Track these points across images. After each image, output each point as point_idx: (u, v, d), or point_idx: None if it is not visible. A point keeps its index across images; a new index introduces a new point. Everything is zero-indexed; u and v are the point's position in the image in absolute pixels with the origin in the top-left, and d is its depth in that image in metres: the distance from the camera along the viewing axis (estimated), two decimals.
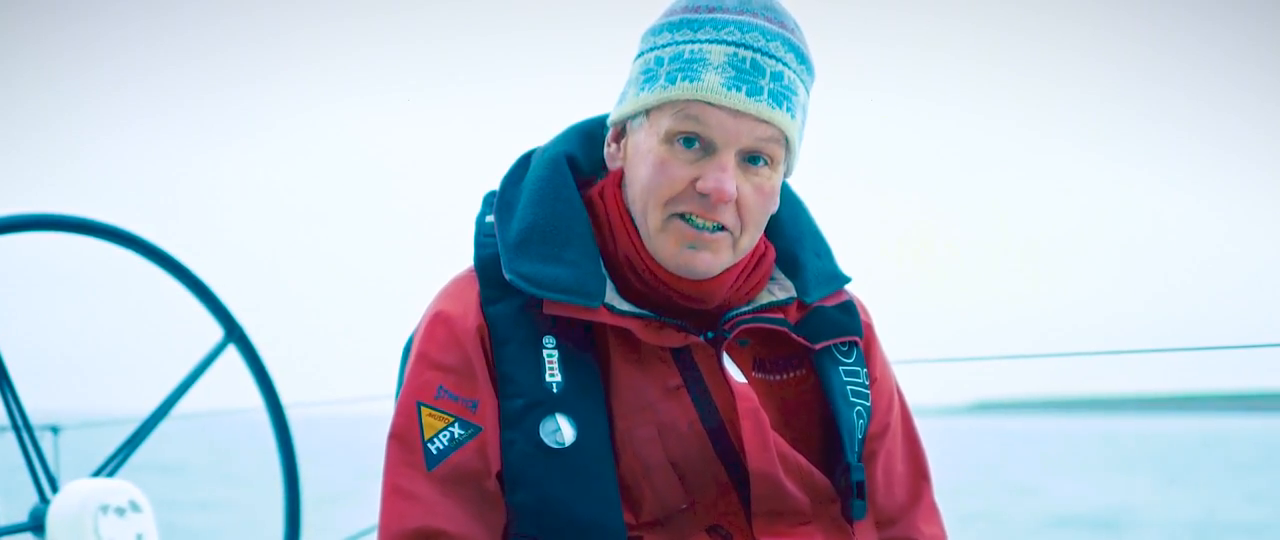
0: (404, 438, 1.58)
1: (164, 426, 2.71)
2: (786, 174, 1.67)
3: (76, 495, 2.35)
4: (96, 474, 2.50)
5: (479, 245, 1.68)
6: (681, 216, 1.58)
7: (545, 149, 1.72)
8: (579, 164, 1.71)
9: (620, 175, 1.66)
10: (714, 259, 1.60)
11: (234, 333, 2.74)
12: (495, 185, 1.73)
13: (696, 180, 1.57)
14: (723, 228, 1.59)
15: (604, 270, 1.63)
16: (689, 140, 1.58)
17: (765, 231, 1.70)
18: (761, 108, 1.57)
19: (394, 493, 1.57)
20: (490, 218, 1.69)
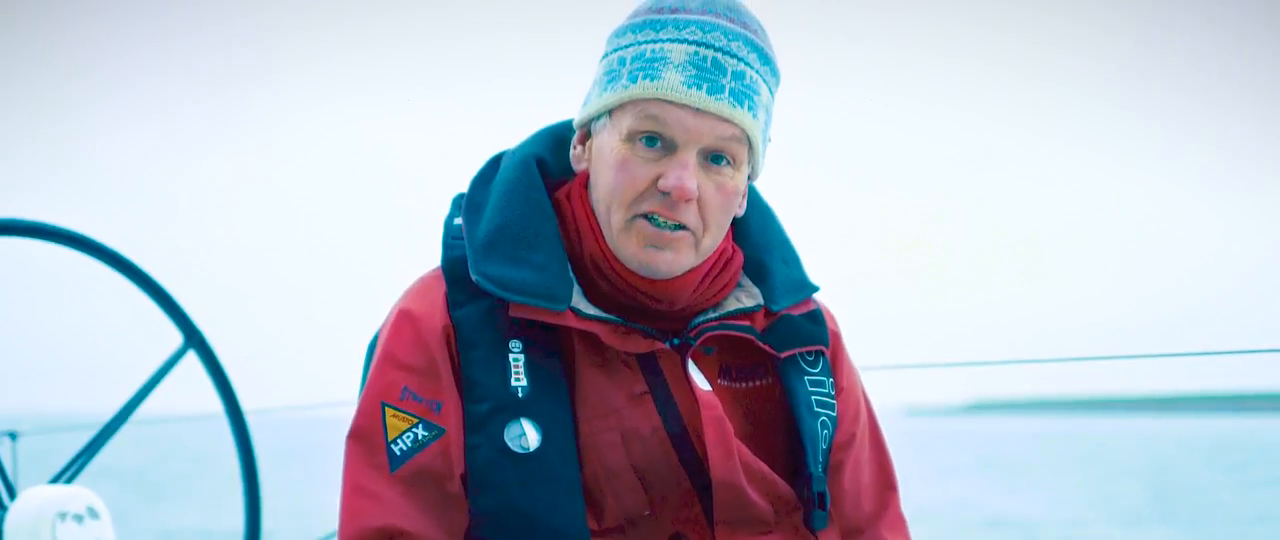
0: (366, 438, 1.58)
1: (125, 431, 2.69)
2: (752, 176, 1.67)
3: (34, 502, 2.33)
4: (55, 480, 2.48)
5: (447, 247, 1.67)
6: (645, 216, 1.58)
7: (515, 151, 1.72)
8: (548, 167, 1.71)
9: (586, 177, 1.66)
10: (676, 258, 1.59)
11: (194, 338, 2.73)
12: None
13: (658, 179, 1.57)
14: (684, 227, 1.59)
15: (571, 274, 1.63)
16: (650, 139, 1.58)
17: (733, 237, 1.71)
18: (722, 106, 1.57)
19: (355, 492, 1.56)
20: (458, 220, 1.69)
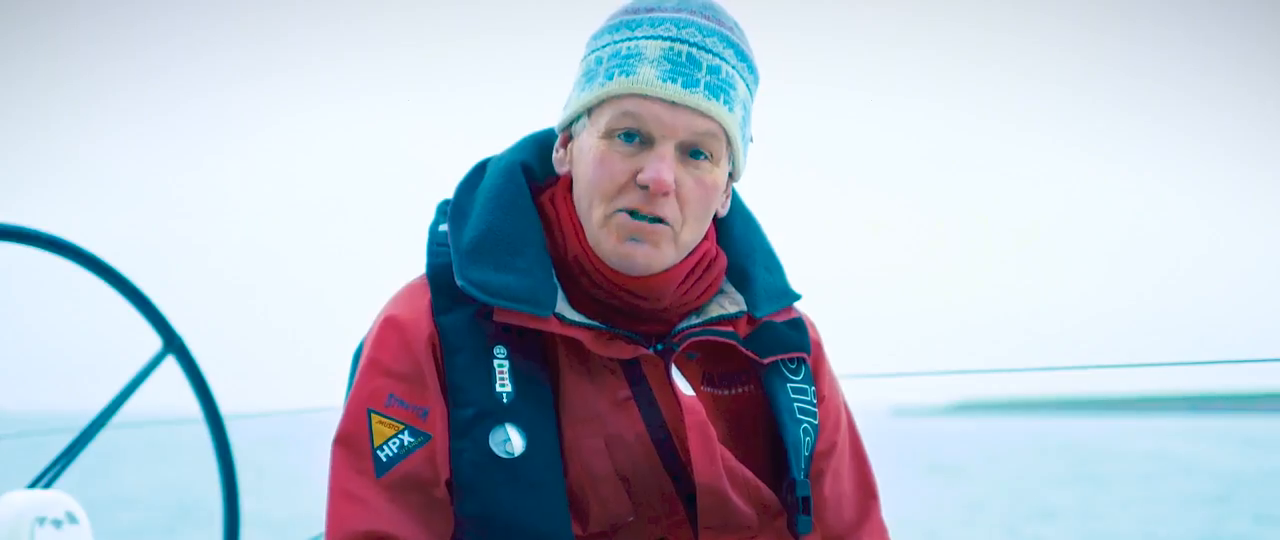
0: (352, 443, 1.58)
1: (104, 435, 2.68)
2: (734, 176, 1.68)
3: (12, 507, 2.32)
4: (33, 485, 2.46)
5: (432, 253, 1.68)
6: (625, 211, 1.58)
7: (500, 158, 1.72)
8: (534, 173, 1.71)
9: (570, 179, 1.67)
10: (655, 252, 1.60)
11: (173, 343, 2.72)
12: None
13: (637, 173, 1.58)
14: (663, 221, 1.59)
15: (556, 280, 1.63)
16: (628, 135, 1.58)
17: (717, 241, 1.71)
18: (697, 99, 1.57)
19: (342, 497, 1.56)
20: (443, 226, 1.69)
